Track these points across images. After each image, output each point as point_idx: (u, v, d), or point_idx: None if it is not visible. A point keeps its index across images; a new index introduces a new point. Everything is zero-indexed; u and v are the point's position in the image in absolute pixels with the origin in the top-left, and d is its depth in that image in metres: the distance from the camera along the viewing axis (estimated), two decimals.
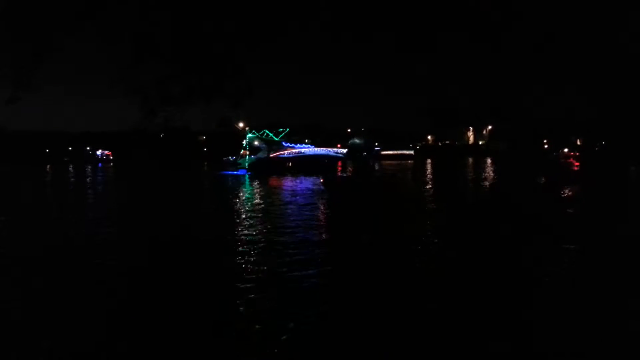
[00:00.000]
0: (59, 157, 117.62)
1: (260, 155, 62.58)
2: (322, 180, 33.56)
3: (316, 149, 65.79)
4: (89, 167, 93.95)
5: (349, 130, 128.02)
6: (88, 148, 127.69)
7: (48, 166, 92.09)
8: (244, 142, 65.20)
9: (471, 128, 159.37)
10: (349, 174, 48.24)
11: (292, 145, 64.83)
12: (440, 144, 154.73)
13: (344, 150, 70.83)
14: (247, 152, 64.27)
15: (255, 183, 44.19)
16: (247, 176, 53.80)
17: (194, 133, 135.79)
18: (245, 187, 40.44)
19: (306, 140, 73.14)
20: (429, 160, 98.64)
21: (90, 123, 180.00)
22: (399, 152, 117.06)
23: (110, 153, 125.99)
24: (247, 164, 61.59)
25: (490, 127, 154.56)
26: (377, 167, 69.55)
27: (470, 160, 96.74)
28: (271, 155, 62.21)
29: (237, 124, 72.49)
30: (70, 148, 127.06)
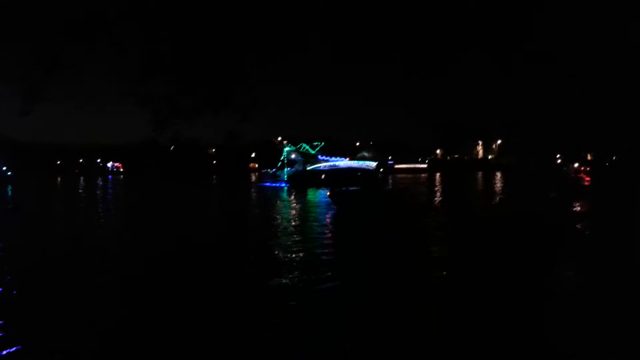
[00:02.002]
0: (69, 169, 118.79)
1: (297, 167, 64.41)
2: (329, 194, 33.47)
3: (349, 162, 67.85)
4: (100, 179, 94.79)
5: (357, 143, 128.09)
6: (99, 160, 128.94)
7: (59, 178, 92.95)
8: (282, 155, 67.42)
9: (480, 142, 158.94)
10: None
11: (327, 158, 66.86)
12: (449, 158, 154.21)
13: (374, 164, 72.22)
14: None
15: (290, 195, 45.18)
16: (285, 188, 54.48)
17: (203, 146, 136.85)
18: (280, 199, 41.44)
19: (365, 154, 75.88)
20: (438, 175, 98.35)
21: (100, 135, 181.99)
22: (412, 165, 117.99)
23: (120, 165, 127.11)
24: (285, 177, 63.31)
25: (499, 142, 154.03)
26: (390, 180, 69.74)
27: (480, 174, 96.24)
28: (307, 168, 63.98)
29: (275, 138, 75.45)
30: (81, 160, 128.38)
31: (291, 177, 62.87)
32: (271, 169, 71.54)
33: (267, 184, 63.24)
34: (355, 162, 69.84)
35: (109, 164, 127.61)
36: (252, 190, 56.73)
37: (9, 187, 62.91)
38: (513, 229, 21.48)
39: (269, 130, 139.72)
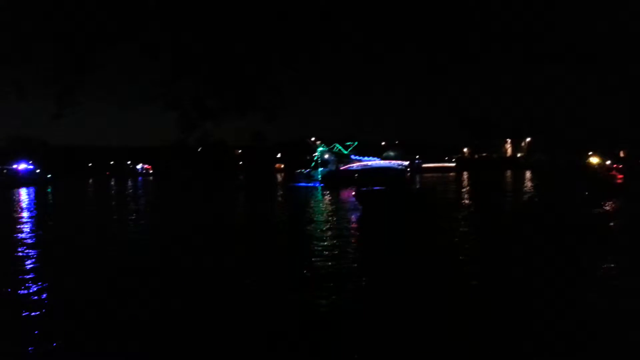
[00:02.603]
0: (101, 172, 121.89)
1: (330, 167, 65.22)
2: (354, 194, 33.39)
3: (381, 161, 68.42)
4: (130, 180, 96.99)
5: (382, 142, 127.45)
6: (129, 162, 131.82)
7: (90, 180, 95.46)
8: (315, 155, 68.44)
9: (509, 140, 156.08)
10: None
11: (360, 158, 67.66)
12: (476, 156, 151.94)
13: (407, 163, 72.54)
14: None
15: (323, 195, 45.54)
16: (319, 188, 54.87)
17: (230, 147, 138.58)
18: (312, 199, 41.93)
19: (391, 154, 76.80)
20: (465, 174, 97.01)
21: (129, 138, 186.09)
22: (440, 164, 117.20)
23: (150, 167, 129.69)
24: (319, 177, 64.05)
25: (529, 139, 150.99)
26: (417, 179, 69.47)
27: (509, 172, 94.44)
28: (341, 168, 64.76)
29: (309, 138, 76.92)
30: (112, 162, 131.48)
31: (325, 177, 63.47)
32: (305, 169, 72.38)
33: (301, 184, 63.70)
34: (387, 161, 70.14)
35: (139, 166, 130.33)
36: (285, 190, 57.19)
37: (49, 189, 65.15)
38: (543, 229, 21.04)
39: (293, 131, 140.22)
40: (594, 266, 13.99)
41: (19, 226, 25.79)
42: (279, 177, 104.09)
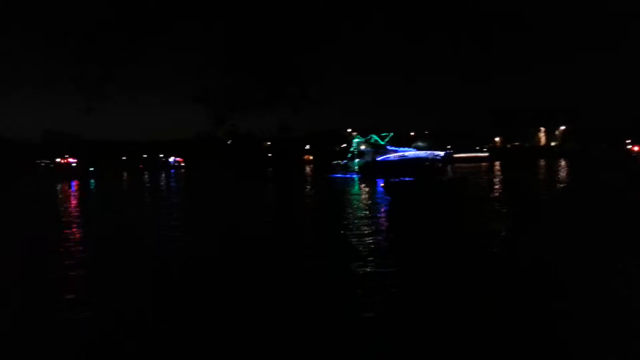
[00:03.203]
0: (134, 165, 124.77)
1: (367, 158, 65.73)
2: (383, 185, 33.13)
3: (417, 152, 68.56)
4: (163, 173, 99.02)
5: (412, 133, 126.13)
6: (161, 155, 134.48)
7: (125, 173, 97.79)
8: (352, 146, 69.09)
9: (542, 129, 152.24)
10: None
11: (396, 149, 67.97)
12: (509, 145, 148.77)
13: (442, 153, 72.49)
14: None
15: (359, 186, 45.16)
16: (356, 179, 55.00)
17: (258, 139, 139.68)
18: (353, 189, 41.81)
19: (420, 144, 77.39)
20: (498, 163, 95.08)
21: (161, 131, 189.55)
22: (472, 154, 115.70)
23: (181, 160, 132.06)
24: (356, 167, 64.58)
25: (563, 128, 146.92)
26: (449, 170, 68.79)
27: (542, 162, 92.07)
28: (377, 159, 65.14)
29: (345, 129, 78.23)
30: (144, 156, 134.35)
31: (362, 168, 63.79)
32: (342, 160, 72.93)
33: (338, 175, 63.78)
34: (424, 152, 70.11)
35: (171, 159, 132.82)
36: (315, 182, 57.30)
37: (92, 182, 67.43)
38: (580, 220, 20.42)
39: (320, 123, 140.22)
40: None
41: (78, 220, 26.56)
42: (308, 168, 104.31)
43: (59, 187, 57.86)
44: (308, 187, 49.48)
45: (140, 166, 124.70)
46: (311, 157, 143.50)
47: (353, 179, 56.69)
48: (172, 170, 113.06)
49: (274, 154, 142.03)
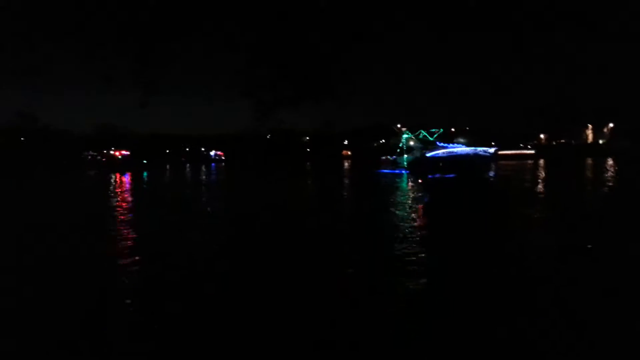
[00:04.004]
0: (177, 158, 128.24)
1: (415, 154, 66.09)
2: (421, 182, 33.04)
3: (467, 148, 68.20)
4: (204, 166, 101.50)
5: (452, 129, 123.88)
6: (203, 149, 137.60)
7: (168, 165, 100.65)
8: (401, 142, 69.56)
9: (590, 126, 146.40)
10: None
11: (445, 145, 67.91)
12: (554, 143, 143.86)
13: (492, 150, 71.68)
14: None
15: (406, 181, 44.35)
16: (404, 175, 55.25)
17: (298, 134, 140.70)
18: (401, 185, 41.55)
19: (461, 140, 77.14)
20: (542, 161, 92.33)
21: (205, 125, 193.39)
22: (517, 151, 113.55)
23: (222, 153, 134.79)
24: (405, 163, 65.07)
25: (611, 125, 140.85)
26: (493, 167, 67.57)
27: (590, 161, 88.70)
28: (426, 155, 65.42)
29: (395, 125, 78.72)
30: (187, 149, 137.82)
31: (410, 164, 63.99)
32: (391, 156, 73.53)
33: (387, 170, 64.12)
34: (473, 148, 69.33)
35: (212, 153, 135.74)
36: (355, 177, 57.43)
37: (145, 173, 70.29)
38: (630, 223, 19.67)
39: (359, 118, 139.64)
40: None
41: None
42: (346, 164, 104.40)
43: (113, 178, 60.24)
44: (347, 182, 49.62)
45: (183, 159, 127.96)
46: (349, 153, 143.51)
47: (402, 174, 56.68)
48: (213, 164, 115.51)
49: (313, 149, 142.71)
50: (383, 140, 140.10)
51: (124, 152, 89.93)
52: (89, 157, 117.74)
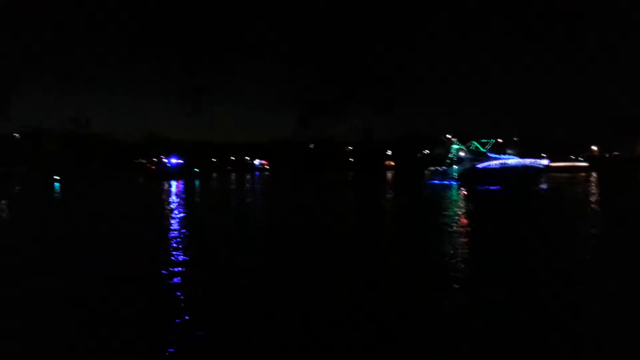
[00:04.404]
0: (223, 166, 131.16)
1: (466, 165, 65.68)
2: (465, 193, 32.35)
3: (519, 159, 67.09)
4: (248, 174, 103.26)
5: (499, 140, 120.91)
6: (247, 158, 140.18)
7: (214, 174, 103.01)
8: (451, 153, 69.38)
9: None
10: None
11: (497, 156, 67.15)
12: (607, 155, 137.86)
13: (546, 162, 70.00)
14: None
15: (456, 192, 42.82)
16: (455, 186, 54.41)
17: (338, 143, 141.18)
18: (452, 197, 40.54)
19: (511, 151, 76.23)
20: (594, 174, 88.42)
21: (249, 134, 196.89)
22: (569, 164, 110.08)
23: (266, 162, 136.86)
24: (455, 174, 64.70)
25: None
26: (543, 179, 65.45)
27: None
28: (477, 166, 64.83)
29: (444, 135, 78.77)
30: (232, 158, 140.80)
31: (461, 175, 63.24)
32: (440, 167, 72.95)
33: (436, 181, 63.46)
34: (527, 160, 67.79)
35: (257, 162, 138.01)
36: (405, 187, 56.73)
37: (197, 182, 72.32)
38: None
39: (401, 129, 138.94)
40: None
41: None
42: (389, 174, 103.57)
43: (167, 185, 61.58)
44: (390, 193, 49.05)
45: (228, 167, 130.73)
46: (392, 163, 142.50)
47: (451, 185, 55.71)
48: (257, 172, 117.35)
49: (356, 159, 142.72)
50: (427, 151, 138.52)
51: (176, 159, 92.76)
52: (138, 163, 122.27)
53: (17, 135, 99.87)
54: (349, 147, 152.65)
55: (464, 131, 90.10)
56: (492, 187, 32.04)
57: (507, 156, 67.41)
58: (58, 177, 71.13)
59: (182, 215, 27.48)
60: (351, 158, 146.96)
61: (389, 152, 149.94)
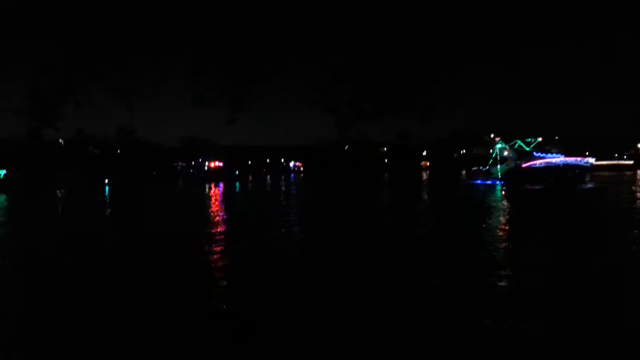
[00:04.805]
0: (259, 169, 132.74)
1: (510, 164, 64.69)
2: (504, 193, 31.56)
3: (565, 158, 65.49)
4: (283, 177, 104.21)
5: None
6: (282, 160, 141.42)
7: (250, 176, 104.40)
8: (494, 152, 68.48)
9: None
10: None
11: (543, 155, 65.81)
12: None
13: (592, 160, 68.37)
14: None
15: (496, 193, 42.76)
16: (498, 186, 53.35)
17: (374, 144, 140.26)
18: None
19: (554, 150, 74.85)
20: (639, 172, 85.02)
21: (284, 137, 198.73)
22: (614, 162, 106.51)
23: (300, 165, 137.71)
24: (499, 174, 63.78)
25: None
26: (587, 179, 63.38)
27: None
28: (522, 165, 63.69)
29: (488, 135, 77.92)
30: (268, 160, 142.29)
31: (505, 175, 62.01)
32: (483, 167, 71.75)
33: (478, 181, 62.33)
34: (572, 158, 65.83)
35: (291, 164, 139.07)
36: (434, 189, 56.22)
37: (237, 184, 73.82)
38: None
39: (437, 130, 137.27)
40: None
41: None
42: (424, 175, 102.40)
43: (209, 188, 62.88)
44: (440, 196, 47.96)
45: (264, 170, 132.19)
46: (427, 163, 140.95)
47: (495, 185, 54.62)
48: (292, 175, 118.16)
49: (391, 160, 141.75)
50: (464, 151, 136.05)
51: (217, 163, 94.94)
52: (179, 167, 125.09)
53: (61, 141, 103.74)
54: (384, 148, 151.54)
55: (503, 130, 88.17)
56: (536, 187, 31.09)
57: (552, 155, 65.82)
58: (107, 181, 74.12)
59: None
60: (386, 159, 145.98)
61: (425, 153, 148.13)
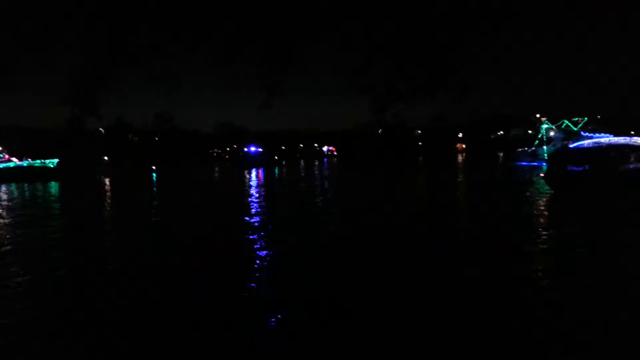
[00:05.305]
0: (292, 153, 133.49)
1: (556, 145, 63.59)
2: (542, 175, 30.61)
3: (616, 138, 63.84)
4: (317, 161, 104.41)
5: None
6: (315, 145, 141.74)
7: (283, 161, 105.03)
8: (540, 133, 67.29)
9: None
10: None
11: (591, 135, 64.40)
12: None
13: None
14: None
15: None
16: (543, 167, 51.35)
17: (408, 128, 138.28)
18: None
19: (601, 130, 73.29)
20: None
21: (317, 122, 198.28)
22: None
23: (334, 149, 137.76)
24: (545, 155, 62.78)
25: None
26: (632, 158, 60.87)
27: None
28: (569, 146, 62.67)
29: (534, 115, 76.43)
30: (301, 145, 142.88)
31: (551, 156, 60.90)
32: (528, 148, 70.47)
33: (523, 162, 61.41)
34: (622, 138, 63.85)
35: (325, 149, 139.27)
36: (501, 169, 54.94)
37: (276, 169, 74.83)
38: None
39: (473, 111, 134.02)
40: None
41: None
42: (460, 157, 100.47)
43: (250, 173, 63.56)
44: (488, 178, 46.90)
45: (297, 155, 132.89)
46: (464, 146, 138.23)
47: (540, 166, 53.12)
48: (325, 159, 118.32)
49: (425, 143, 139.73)
50: (501, 132, 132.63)
51: (255, 148, 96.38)
52: (214, 154, 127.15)
53: (101, 129, 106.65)
54: (418, 131, 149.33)
55: (544, 111, 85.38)
56: (579, 168, 29.82)
57: (600, 134, 63.77)
58: (154, 167, 76.40)
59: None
60: (421, 142, 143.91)
61: (460, 135, 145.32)
